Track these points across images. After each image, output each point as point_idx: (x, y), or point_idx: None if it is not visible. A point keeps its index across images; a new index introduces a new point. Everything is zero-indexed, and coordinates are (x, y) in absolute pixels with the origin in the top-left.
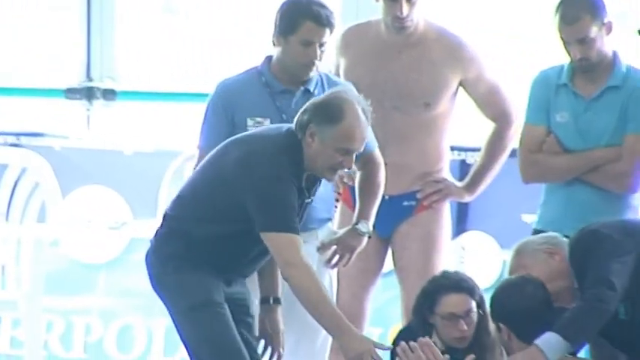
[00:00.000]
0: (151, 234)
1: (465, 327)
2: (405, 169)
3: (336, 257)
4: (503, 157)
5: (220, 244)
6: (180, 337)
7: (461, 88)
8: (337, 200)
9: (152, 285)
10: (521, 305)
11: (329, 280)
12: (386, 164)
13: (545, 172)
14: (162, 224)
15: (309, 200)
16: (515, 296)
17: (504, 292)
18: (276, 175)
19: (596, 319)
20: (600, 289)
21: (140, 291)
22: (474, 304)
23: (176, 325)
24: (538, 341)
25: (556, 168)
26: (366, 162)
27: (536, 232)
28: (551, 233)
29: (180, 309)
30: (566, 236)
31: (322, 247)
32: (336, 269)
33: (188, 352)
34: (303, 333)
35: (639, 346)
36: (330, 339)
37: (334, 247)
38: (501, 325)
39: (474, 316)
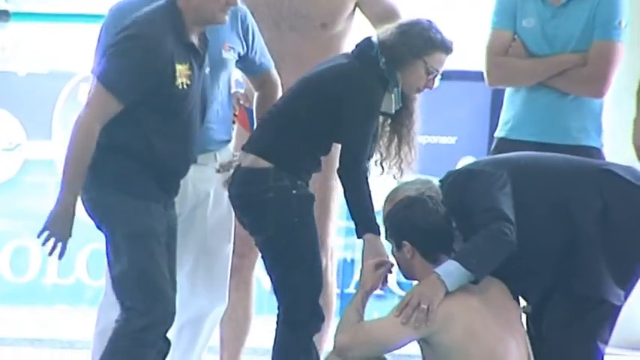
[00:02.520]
0: (46, 155)
1: (434, 86)
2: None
3: None
4: None
5: (144, 137)
6: (108, 260)
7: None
8: (234, 122)
9: (87, 209)
10: (428, 220)
11: (227, 201)
12: (282, 84)
13: (511, 74)
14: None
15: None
16: (421, 211)
17: (408, 209)
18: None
19: (499, 251)
20: (500, 222)
21: (34, 213)
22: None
23: (108, 247)
24: (439, 270)
25: (522, 70)
26: (263, 82)
27: (499, 140)
28: (423, 177)
29: (119, 234)
30: (528, 142)
31: (221, 169)
32: None
33: (111, 275)
34: (201, 257)
35: (516, 274)
36: (229, 264)
37: (233, 169)
38: (405, 242)
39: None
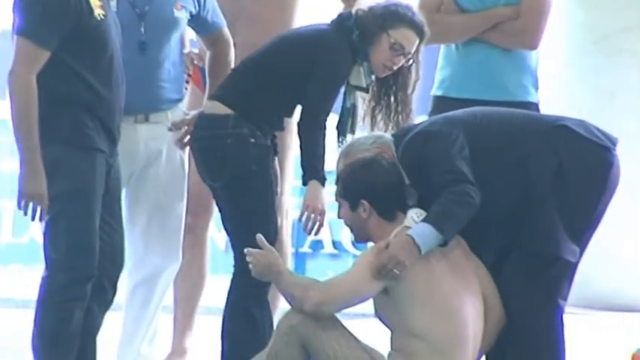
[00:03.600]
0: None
1: (400, 64)
2: (254, 49)
3: (187, 137)
4: None
5: (68, 82)
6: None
7: None
8: (187, 82)
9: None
10: (385, 179)
11: (180, 160)
12: (235, 44)
13: (444, 31)
14: None
15: None
16: (379, 170)
17: (365, 169)
18: None
19: (466, 214)
20: (464, 185)
21: None
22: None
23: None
24: (413, 233)
25: (455, 26)
26: (215, 41)
27: (436, 98)
28: (376, 133)
29: (58, 189)
30: (466, 100)
31: (173, 127)
32: (187, 150)
33: (46, 230)
34: (154, 215)
35: (475, 230)
36: (182, 223)
37: (185, 127)
38: (363, 201)
39: (405, 63)
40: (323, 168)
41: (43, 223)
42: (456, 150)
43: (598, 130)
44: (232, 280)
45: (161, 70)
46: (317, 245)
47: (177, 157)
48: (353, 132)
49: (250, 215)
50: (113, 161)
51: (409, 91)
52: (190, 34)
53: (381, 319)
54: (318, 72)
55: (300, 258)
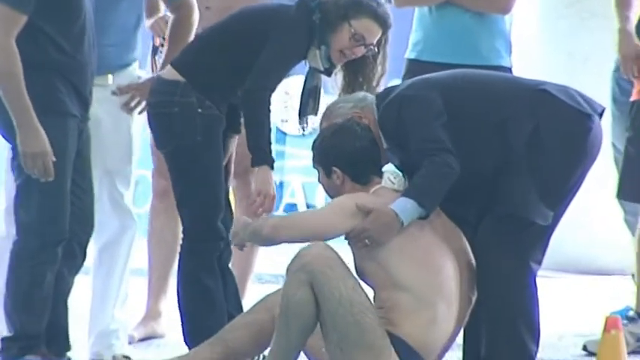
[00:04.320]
0: None
1: (359, 55)
2: (229, 13)
3: (134, 102)
4: None
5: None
6: (14, 173)
7: None
8: (162, 45)
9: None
10: (356, 145)
11: (127, 124)
12: (208, 8)
13: None
14: None
15: None
16: (349, 137)
17: (335, 136)
18: None
19: (446, 184)
20: (443, 154)
21: None
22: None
23: (15, 162)
24: (395, 208)
25: None
26: (179, 6)
27: (410, 62)
28: (359, 94)
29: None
30: (439, 64)
31: (118, 91)
32: (135, 114)
33: (16, 189)
34: (103, 179)
35: (454, 194)
36: (131, 186)
37: (133, 92)
38: (334, 168)
39: (367, 54)
40: (270, 150)
41: (14, 188)
42: (433, 115)
43: (581, 96)
44: (181, 252)
45: (106, 36)
46: (291, 209)
47: (124, 120)
48: (315, 113)
49: (195, 186)
50: (84, 125)
51: (374, 84)
52: None
53: (363, 279)
54: (269, 45)
55: None
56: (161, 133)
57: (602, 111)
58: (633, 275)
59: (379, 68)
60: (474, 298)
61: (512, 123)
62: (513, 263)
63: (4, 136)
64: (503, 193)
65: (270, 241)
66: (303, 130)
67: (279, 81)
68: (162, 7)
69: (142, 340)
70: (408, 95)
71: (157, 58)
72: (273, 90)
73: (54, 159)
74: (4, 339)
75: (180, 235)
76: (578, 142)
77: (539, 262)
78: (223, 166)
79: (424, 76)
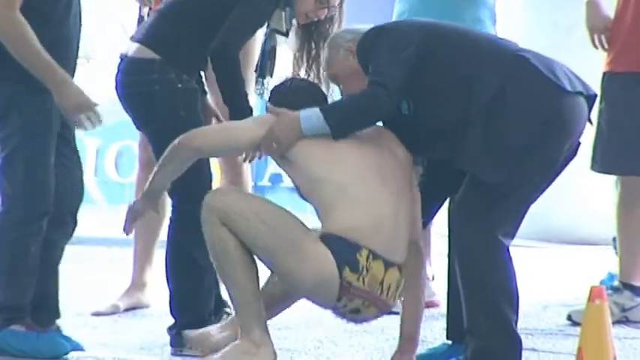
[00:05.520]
0: None
1: (322, 17)
2: None
3: None
4: None
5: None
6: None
7: None
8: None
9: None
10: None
11: None
12: None
13: None
14: None
15: None
16: (298, 95)
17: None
18: None
19: (362, 114)
20: (376, 87)
21: None
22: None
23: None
24: (302, 112)
25: None
26: None
27: None
28: (363, 28)
29: (19, 127)
30: None
31: None
32: None
33: (2, 166)
34: None
35: (419, 139)
36: None
37: None
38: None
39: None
40: (247, 103)
41: None
42: (398, 51)
43: (567, 74)
44: (171, 225)
45: None
46: (276, 179)
47: None
48: (271, 75)
49: None
50: None
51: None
52: None
53: (305, 198)
54: (239, 7)
55: (259, 191)
56: (142, 112)
57: (590, 95)
58: (614, 239)
59: (335, 25)
60: (415, 192)
61: (479, 79)
62: (480, 236)
63: None
64: (459, 147)
65: (187, 149)
66: (261, 92)
67: (244, 42)
68: None
69: (127, 310)
70: (385, 27)
71: None
72: (239, 49)
73: (97, 103)
74: None
75: (166, 207)
76: (546, 113)
77: (510, 235)
78: None
79: (417, 18)
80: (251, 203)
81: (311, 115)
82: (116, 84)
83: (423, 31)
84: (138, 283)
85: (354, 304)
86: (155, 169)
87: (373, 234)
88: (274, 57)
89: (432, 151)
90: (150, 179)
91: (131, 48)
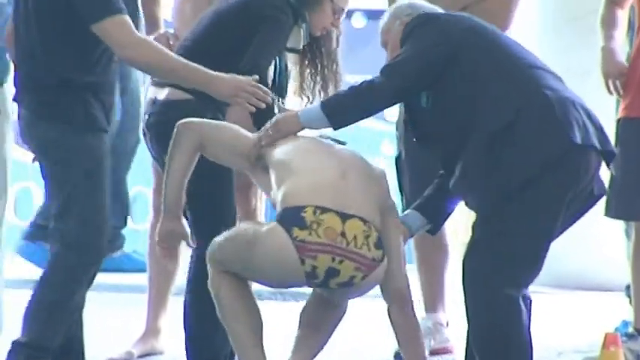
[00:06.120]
0: None
1: (337, 26)
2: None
3: None
4: None
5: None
6: (49, 193)
7: None
8: None
9: (41, 150)
10: None
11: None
12: None
13: None
14: None
15: None
16: None
17: None
18: None
19: (357, 103)
20: (379, 78)
21: None
22: None
23: (52, 181)
24: (301, 110)
25: None
26: None
27: None
28: (426, 6)
29: (75, 171)
30: None
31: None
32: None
33: (55, 208)
34: None
35: (437, 133)
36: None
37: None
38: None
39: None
40: None
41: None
42: (427, 47)
43: (585, 122)
44: (191, 266)
45: None
46: None
47: None
48: (286, 93)
49: (207, 199)
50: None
51: (333, 45)
52: (166, 15)
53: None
54: (266, 26)
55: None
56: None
57: (606, 150)
58: (627, 287)
59: (335, 29)
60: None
61: (494, 106)
62: (488, 298)
63: (50, 163)
64: (459, 165)
65: (188, 130)
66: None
67: (272, 61)
68: (162, 23)
69: (141, 357)
70: (434, 18)
71: None
72: (268, 69)
73: (254, 78)
74: (15, 342)
75: (181, 252)
76: (549, 160)
77: (523, 284)
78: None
79: (473, 17)
80: (227, 236)
81: (311, 108)
82: (149, 125)
83: (464, 35)
84: (152, 330)
85: (323, 264)
86: (165, 168)
87: (316, 193)
88: (288, 76)
89: (439, 151)
90: (163, 188)
91: (160, 92)
